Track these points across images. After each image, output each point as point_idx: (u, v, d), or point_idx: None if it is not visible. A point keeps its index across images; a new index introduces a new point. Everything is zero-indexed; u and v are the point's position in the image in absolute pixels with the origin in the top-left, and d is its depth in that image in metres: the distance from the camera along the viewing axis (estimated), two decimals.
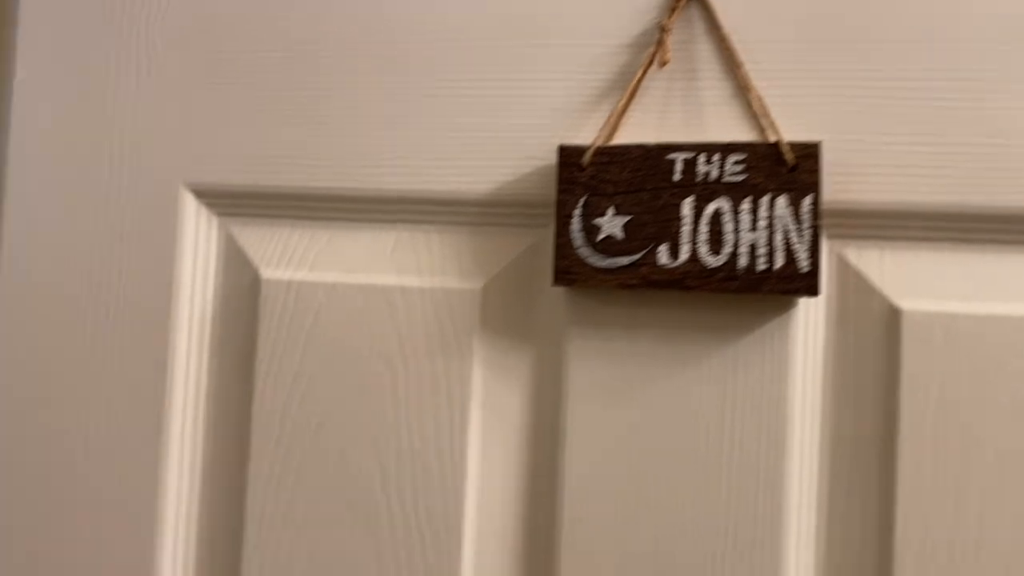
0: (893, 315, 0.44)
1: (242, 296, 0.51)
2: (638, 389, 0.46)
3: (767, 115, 0.45)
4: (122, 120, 0.52)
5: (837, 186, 0.45)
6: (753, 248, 0.43)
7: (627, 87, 0.46)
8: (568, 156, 0.45)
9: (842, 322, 0.45)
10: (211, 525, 0.51)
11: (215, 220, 0.51)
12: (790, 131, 0.45)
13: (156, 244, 0.51)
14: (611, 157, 0.45)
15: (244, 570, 0.49)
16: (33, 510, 0.51)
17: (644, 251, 0.44)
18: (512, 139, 0.48)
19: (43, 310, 0.52)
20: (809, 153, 0.43)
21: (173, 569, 0.50)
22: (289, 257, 0.50)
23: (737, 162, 0.44)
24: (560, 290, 0.48)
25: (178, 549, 0.50)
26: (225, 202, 0.51)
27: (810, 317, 0.45)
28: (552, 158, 0.47)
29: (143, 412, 0.50)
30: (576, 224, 0.45)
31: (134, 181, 0.51)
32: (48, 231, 0.52)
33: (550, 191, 0.47)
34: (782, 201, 0.43)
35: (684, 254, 0.44)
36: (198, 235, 0.51)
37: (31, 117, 0.52)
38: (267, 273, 0.50)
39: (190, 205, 0.51)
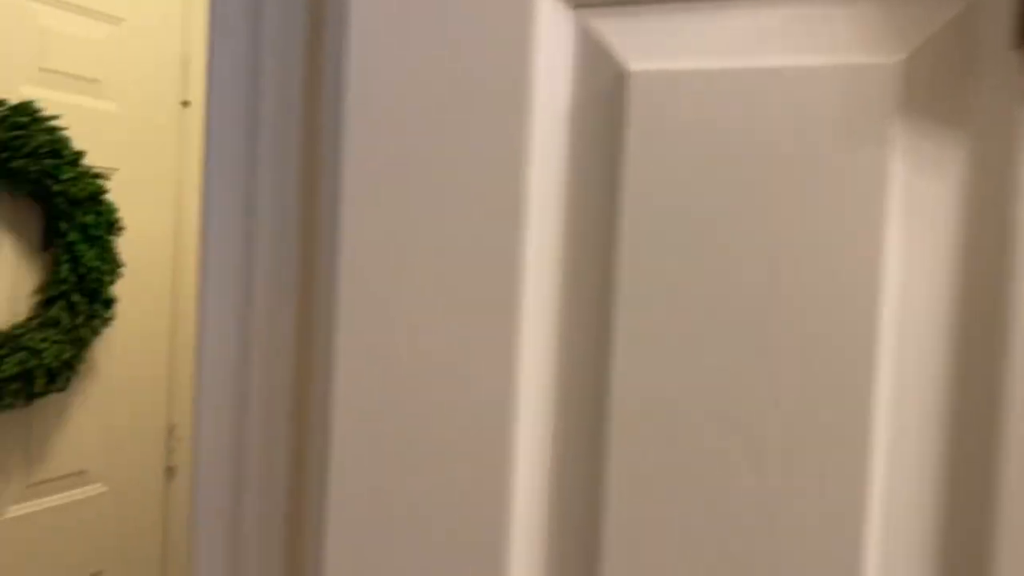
0: None
1: (605, 94, 0.45)
2: None
3: None
4: None
5: None
6: None
7: None
8: None
9: None
10: (573, 342, 0.46)
11: (570, 13, 0.46)
12: None
13: (508, 44, 0.46)
14: None
15: (614, 391, 0.44)
16: (397, 292, 0.48)
17: None
18: None
19: (389, 109, 0.48)
20: None
21: (534, 392, 0.46)
22: (657, 46, 0.44)
23: None
24: (1012, 59, 0.38)
25: (537, 370, 0.46)
26: None
27: None
28: None
29: (497, 221, 0.46)
30: None
31: None
32: (393, 30, 0.48)
33: None
34: None
35: None
36: (552, 31, 0.46)
37: None
38: (634, 65, 0.44)
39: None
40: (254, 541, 0.57)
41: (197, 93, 2.17)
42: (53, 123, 1.76)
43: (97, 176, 1.86)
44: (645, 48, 0.44)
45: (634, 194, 0.44)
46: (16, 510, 1.80)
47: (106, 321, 1.89)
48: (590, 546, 0.45)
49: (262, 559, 0.57)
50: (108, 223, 1.87)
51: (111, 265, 1.88)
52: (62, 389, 1.81)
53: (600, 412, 0.45)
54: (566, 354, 0.46)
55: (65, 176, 1.77)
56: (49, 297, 1.78)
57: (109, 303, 1.88)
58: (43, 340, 1.73)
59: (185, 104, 2.15)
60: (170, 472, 2.16)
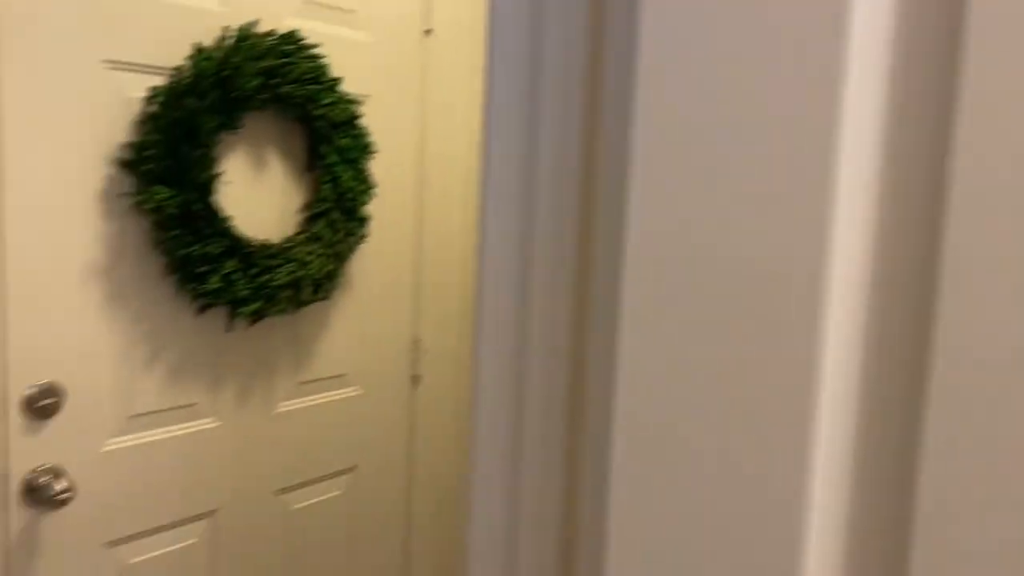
0: None
1: None
2: None
3: None
4: None
5: None
6: None
7: None
8: None
9: None
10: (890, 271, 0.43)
11: None
12: None
13: None
14: None
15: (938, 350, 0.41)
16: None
17: None
18: None
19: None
20: None
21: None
22: None
23: None
24: None
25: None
26: None
27: None
28: None
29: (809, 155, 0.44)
30: None
31: None
32: None
33: None
34: None
35: None
36: None
37: None
38: None
39: None
40: (529, 530, 0.60)
41: (438, 21, 2.24)
42: (314, 51, 1.89)
43: (352, 102, 1.98)
44: None
45: (973, 78, 0.40)
46: (287, 405, 2.02)
47: (361, 238, 2.04)
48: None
49: (537, 549, 0.60)
50: (362, 146, 2.00)
51: (365, 185, 2.01)
52: (325, 299, 1.98)
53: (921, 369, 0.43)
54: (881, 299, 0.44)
55: (325, 101, 1.90)
56: (313, 214, 1.94)
57: (364, 221, 2.02)
58: (309, 253, 1.90)
59: (427, 32, 2.24)
60: (415, 380, 2.33)
